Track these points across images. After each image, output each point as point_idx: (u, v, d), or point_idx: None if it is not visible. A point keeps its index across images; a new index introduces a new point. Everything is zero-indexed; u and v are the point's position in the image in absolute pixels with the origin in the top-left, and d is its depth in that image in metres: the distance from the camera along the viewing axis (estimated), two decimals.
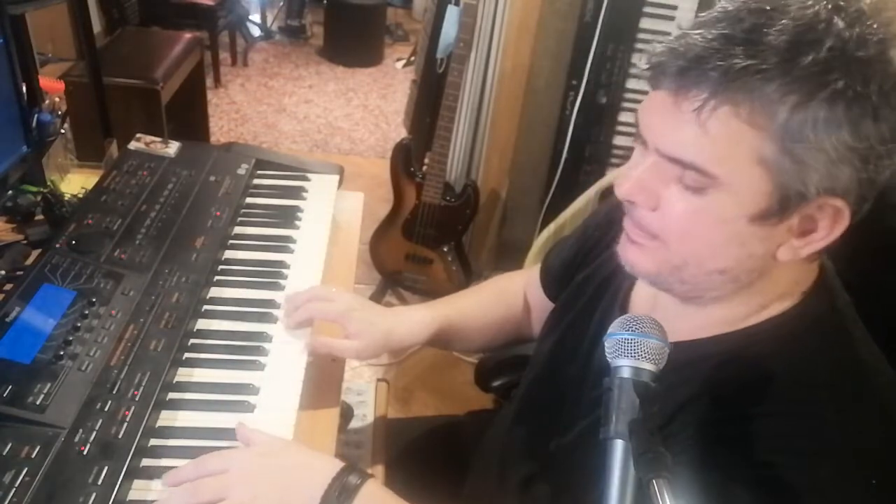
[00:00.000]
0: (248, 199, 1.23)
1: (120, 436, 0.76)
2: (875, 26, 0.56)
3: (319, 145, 3.60)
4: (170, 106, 2.53)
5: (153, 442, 0.80)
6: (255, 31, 4.69)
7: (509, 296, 1.13)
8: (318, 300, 0.98)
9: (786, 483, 0.59)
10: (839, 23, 0.55)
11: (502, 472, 0.97)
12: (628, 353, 0.57)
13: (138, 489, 0.75)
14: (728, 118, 0.57)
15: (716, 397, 0.66)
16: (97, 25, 3.51)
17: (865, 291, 0.70)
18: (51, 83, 1.66)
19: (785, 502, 0.59)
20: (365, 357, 0.98)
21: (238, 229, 1.17)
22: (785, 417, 0.62)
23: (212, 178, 1.21)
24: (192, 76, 2.85)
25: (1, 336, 0.82)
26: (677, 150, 0.60)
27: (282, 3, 4.81)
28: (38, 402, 0.76)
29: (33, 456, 0.71)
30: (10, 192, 1.16)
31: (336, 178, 1.33)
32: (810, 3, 0.56)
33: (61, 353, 0.82)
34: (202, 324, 0.97)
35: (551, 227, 2.09)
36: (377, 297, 2.47)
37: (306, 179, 1.31)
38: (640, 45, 2.12)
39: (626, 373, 0.57)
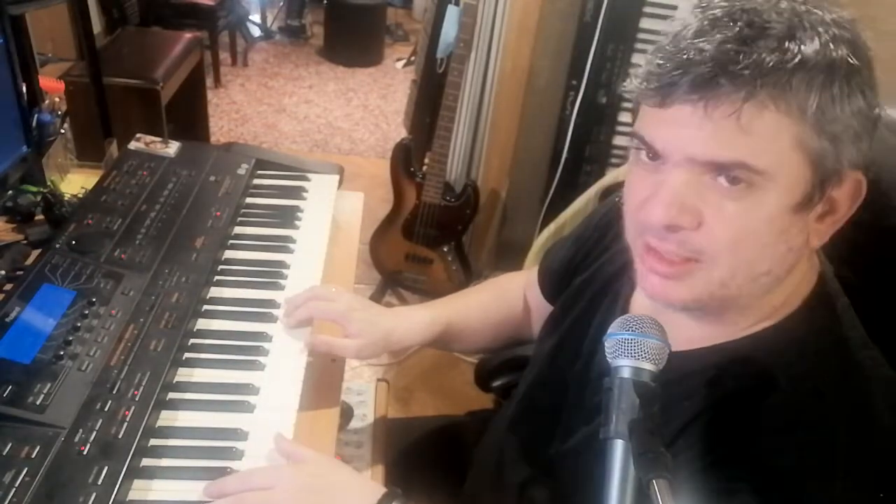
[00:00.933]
0: (248, 199, 1.23)
1: (120, 436, 0.75)
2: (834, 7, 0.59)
3: (319, 145, 3.60)
4: (170, 106, 2.53)
5: (153, 442, 0.80)
6: (255, 31, 4.69)
7: (509, 296, 1.13)
8: (318, 300, 0.98)
9: (792, 494, 0.59)
10: (818, 12, 0.58)
11: (500, 475, 0.97)
12: (628, 353, 0.57)
13: (138, 489, 0.75)
14: (767, 113, 0.57)
15: (718, 413, 0.66)
16: (97, 25, 3.51)
17: (865, 291, 0.70)
18: (51, 83, 1.66)
19: None
20: (365, 357, 0.98)
21: (238, 229, 1.17)
22: (789, 429, 0.62)
23: (212, 178, 1.21)
24: (192, 76, 2.85)
25: (1, 336, 0.82)
26: (721, 154, 0.58)
27: (282, 3, 4.81)
28: (38, 402, 0.76)
29: (33, 456, 0.71)
30: (10, 192, 1.16)
31: (336, 178, 1.33)
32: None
33: (61, 353, 0.82)
34: (202, 324, 0.97)
35: (551, 227, 2.09)
36: (377, 297, 2.47)
37: (306, 179, 1.31)
38: (640, 45, 2.12)
39: (626, 373, 0.57)
